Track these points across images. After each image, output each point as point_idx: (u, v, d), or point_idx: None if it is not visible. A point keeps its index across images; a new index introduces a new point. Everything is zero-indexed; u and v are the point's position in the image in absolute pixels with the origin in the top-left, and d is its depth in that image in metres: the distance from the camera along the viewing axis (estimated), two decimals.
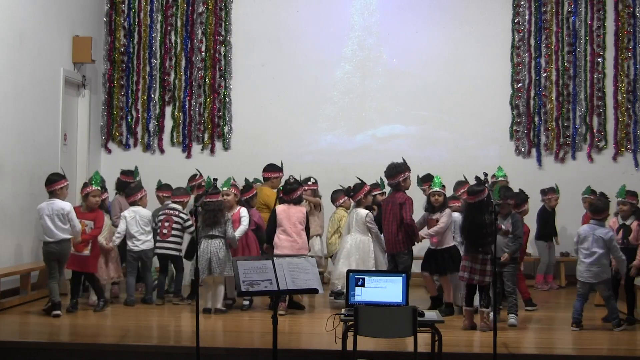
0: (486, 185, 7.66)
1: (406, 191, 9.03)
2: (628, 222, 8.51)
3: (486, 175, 7.50)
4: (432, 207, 8.88)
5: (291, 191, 8.97)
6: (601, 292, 8.15)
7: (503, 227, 8.12)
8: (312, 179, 9.79)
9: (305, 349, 7.37)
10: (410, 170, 9.02)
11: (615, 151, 11.88)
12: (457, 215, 8.87)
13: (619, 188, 8.78)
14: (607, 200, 8.67)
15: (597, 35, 11.94)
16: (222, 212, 8.83)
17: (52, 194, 8.64)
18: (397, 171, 8.86)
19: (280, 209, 8.98)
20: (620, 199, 8.61)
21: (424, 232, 8.88)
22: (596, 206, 8.27)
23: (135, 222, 9.29)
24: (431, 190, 8.94)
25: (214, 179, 9.57)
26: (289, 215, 8.88)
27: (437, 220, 8.81)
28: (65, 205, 8.57)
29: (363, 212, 9.13)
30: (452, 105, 12.08)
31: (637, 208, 8.65)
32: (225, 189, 9.11)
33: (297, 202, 9.01)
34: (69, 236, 8.60)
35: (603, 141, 11.91)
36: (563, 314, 8.95)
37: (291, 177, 9.17)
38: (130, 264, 9.35)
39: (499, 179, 10.14)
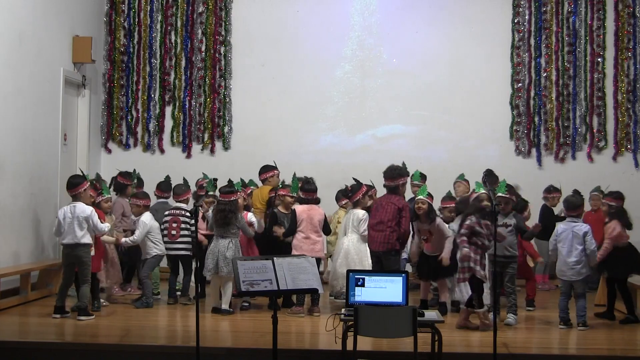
0: (487, 186, 7.65)
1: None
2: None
3: (486, 174, 7.49)
4: (417, 215, 8.70)
5: (311, 191, 8.92)
6: (577, 288, 8.08)
7: (505, 227, 8.14)
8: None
9: (305, 349, 7.37)
10: (408, 175, 8.95)
11: (615, 151, 11.88)
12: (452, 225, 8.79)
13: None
14: (581, 197, 8.71)
15: (597, 35, 11.94)
16: (234, 214, 8.63)
17: (76, 198, 8.39)
18: (398, 174, 8.79)
19: (300, 209, 8.87)
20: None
21: (446, 254, 8.53)
22: (571, 202, 8.29)
23: (157, 227, 9.19)
24: (416, 198, 8.87)
25: (214, 179, 9.54)
26: (310, 216, 8.82)
27: (429, 232, 8.65)
28: (86, 209, 8.33)
29: (360, 212, 9.12)
30: (452, 105, 12.08)
31: (621, 209, 8.68)
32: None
33: (317, 202, 8.98)
34: (87, 241, 8.34)
35: (603, 141, 11.90)
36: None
37: (309, 178, 9.14)
38: (150, 267, 9.20)
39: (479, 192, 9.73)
